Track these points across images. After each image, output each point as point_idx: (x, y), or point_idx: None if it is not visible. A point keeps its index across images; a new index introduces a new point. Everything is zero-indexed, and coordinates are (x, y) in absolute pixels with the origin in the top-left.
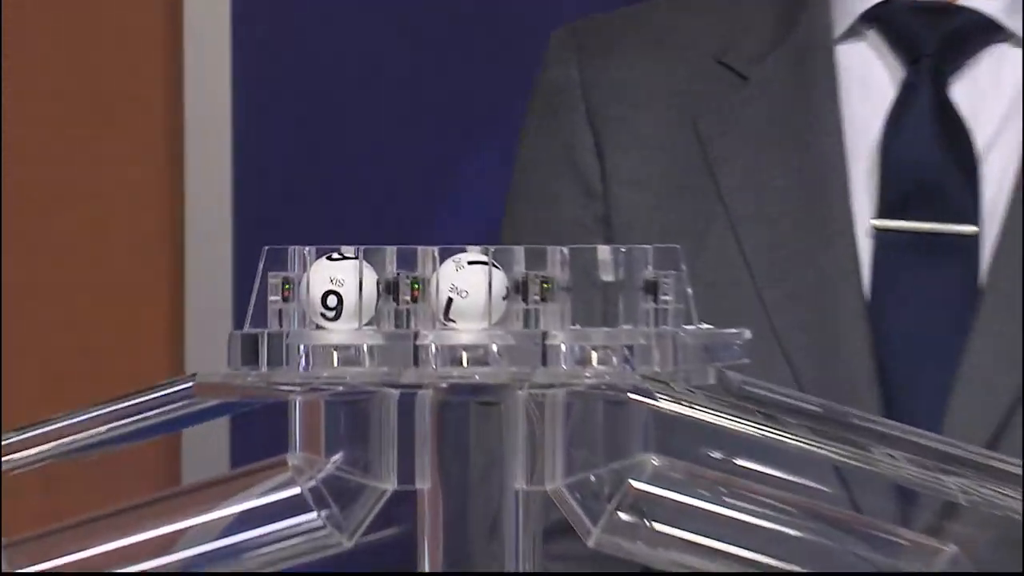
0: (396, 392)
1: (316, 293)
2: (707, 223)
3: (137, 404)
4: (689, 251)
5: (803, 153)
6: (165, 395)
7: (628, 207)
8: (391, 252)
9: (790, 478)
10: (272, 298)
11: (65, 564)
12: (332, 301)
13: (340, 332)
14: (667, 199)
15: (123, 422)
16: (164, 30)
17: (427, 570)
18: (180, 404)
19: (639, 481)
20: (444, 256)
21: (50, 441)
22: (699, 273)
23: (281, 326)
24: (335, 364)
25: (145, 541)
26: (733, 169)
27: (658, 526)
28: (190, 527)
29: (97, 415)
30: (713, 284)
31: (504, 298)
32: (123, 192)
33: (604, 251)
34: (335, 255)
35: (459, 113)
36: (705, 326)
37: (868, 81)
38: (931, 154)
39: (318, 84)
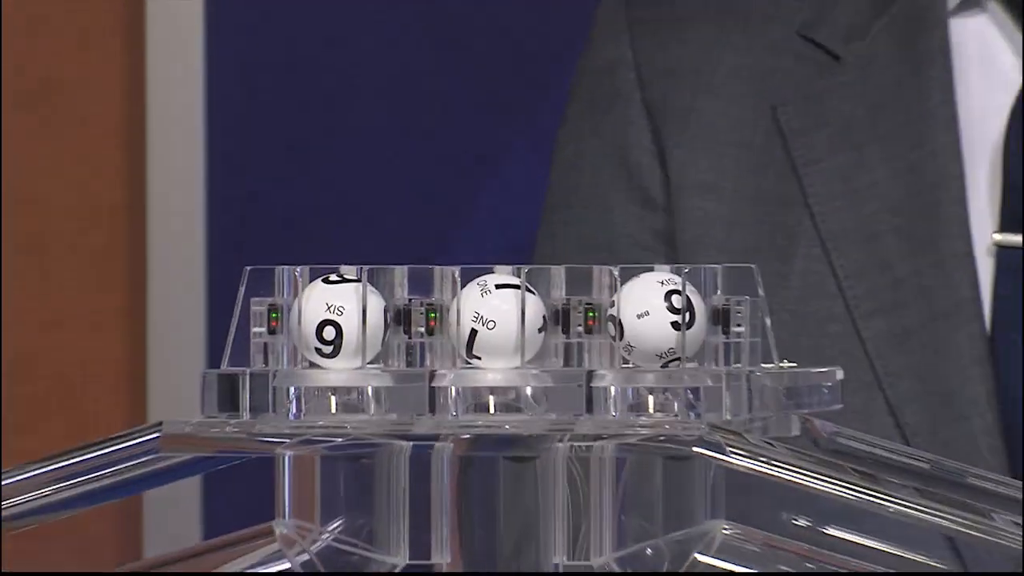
0: (408, 445)
1: (310, 324)
2: (791, 239)
3: (87, 460)
4: (769, 273)
5: (910, 152)
6: (123, 449)
7: (696, 220)
8: (401, 273)
9: (892, 551)
10: (256, 329)
11: None
12: (329, 333)
13: (339, 372)
14: (743, 209)
15: (69, 483)
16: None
17: None
18: (141, 461)
19: (706, 555)
20: (466, 278)
21: None
22: (782, 301)
23: (267, 364)
24: (333, 411)
25: None
26: (823, 172)
27: None
28: None
29: (37, 474)
30: (799, 315)
31: (540, 330)
32: (73, 199)
33: (662, 271)
34: (333, 277)
35: (482, 108)
36: (787, 364)
37: (989, 63)
38: None
39: (302, 70)
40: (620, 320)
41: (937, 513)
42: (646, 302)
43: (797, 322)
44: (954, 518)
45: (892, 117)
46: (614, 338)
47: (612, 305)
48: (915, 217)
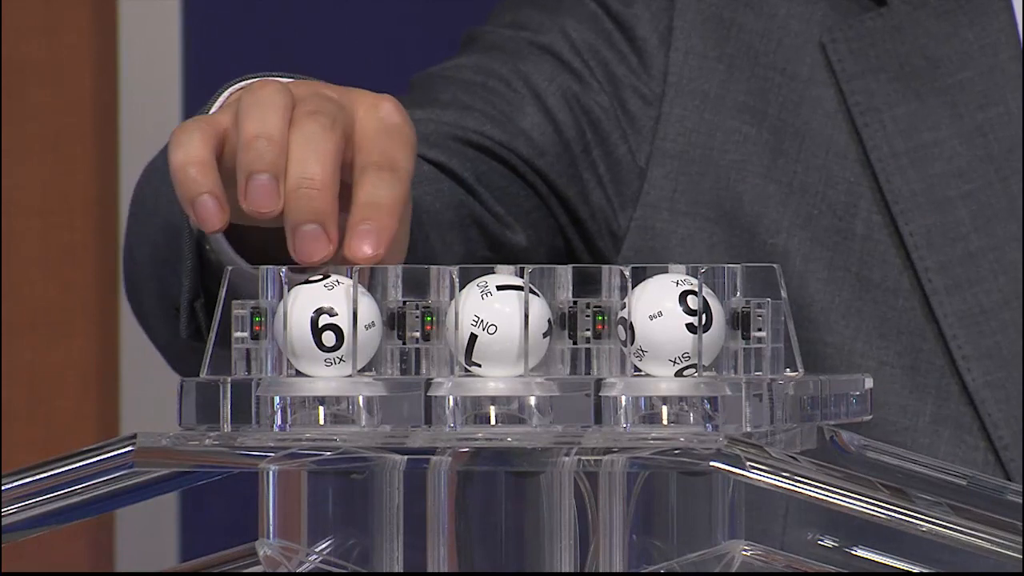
0: (402, 459)
1: (296, 328)
2: (850, 195)
3: (54, 476)
4: (826, 228)
5: (978, 112)
6: (93, 463)
7: (735, 143)
8: (395, 273)
9: (923, 571)
10: (237, 334)
11: None
12: (330, 339)
13: (328, 380)
14: (789, 144)
15: (35, 500)
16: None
17: None
18: (113, 476)
19: None
20: (465, 279)
21: None
22: (844, 259)
23: (249, 371)
24: (321, 422)
25: None
26: (883, 124)
27: None
28: None
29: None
30: (862, 278)
31: (545, 334)
32: (41, 194)
33: (677, 271)
34: (319, 277)
35: None
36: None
37: None
38: None
39: (283, 57)
40: (631, 323)
41: (973, 532)
42: (659, 303)
43: (860, 286)
44: (992, 538)
45: (954, 71)
46: (624, 343)
47: (623, 308)
48: (987, 185)
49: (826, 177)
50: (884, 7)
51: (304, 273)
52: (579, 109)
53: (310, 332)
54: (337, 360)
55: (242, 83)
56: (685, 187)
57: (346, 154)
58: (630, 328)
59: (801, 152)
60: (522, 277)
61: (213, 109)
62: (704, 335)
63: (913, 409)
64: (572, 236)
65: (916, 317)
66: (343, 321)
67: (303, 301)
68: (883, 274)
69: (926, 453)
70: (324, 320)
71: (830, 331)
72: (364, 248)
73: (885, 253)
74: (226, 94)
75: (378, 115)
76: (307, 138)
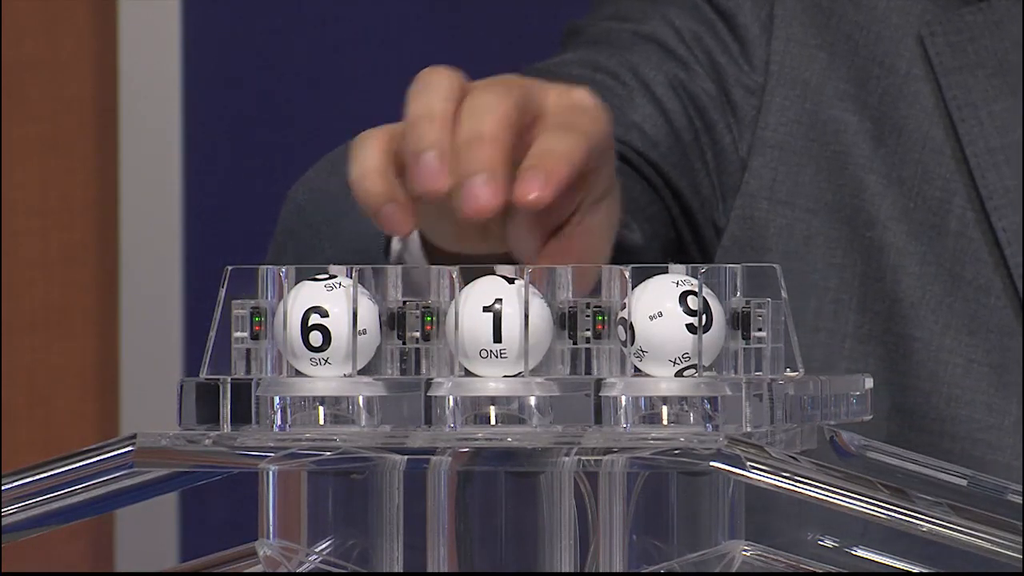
0: (402, 459)
1: (296, 328)
2: (944, 191)
3: (54, 476)
4: (919, 222)
5: None
6: (93, 463)
7: (834, 131)
8: (395, 273)
9: (923, 571)
10: (237, 334)
11: None
12: (317, 339)
13: (328, 380)
14: (889, 135)
15: (35, 500)
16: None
17: None
18: (113, 476)
19: None
20: (466, 278)
21: None
22: (936, 254)
23: (249, 371)
24: (321, 422)
25: None
26: (980, 120)
27: None
28: None
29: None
30: (954, 274)
31: (545, 335)
32: (41, 194)
33: (677, 271)
34: (321, 276)
35: None
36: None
37: None
38: None
39: (283, 60)
40: (631, 323)
41: (973, 532)
42: (659, 303)
43: (952, 282)
44: (992, 538)
45: None
46: (624, 343)
47: (623, 308)
48: None
49: (922, 172)
50: (984, 2)
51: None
52: (686, 97)
53: (299, 330)
54: (322, 361)
55: None
56: (784, 176)
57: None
58: (630, 328)
59: (899, 145)
60: (522, 276)
61: None
62: (704, 335)
63: (999, 408)
64: (682, 227)
65: (1007, 316)
66: (333, 323)
67: (301, 299)
68: (975, 271)
69: (1011, 452)
70: (314, 319)
71: (919, 326)
72: (531, 190)
73: (978, 250)
74: None
75: (571, 97)
76: (477, 103)
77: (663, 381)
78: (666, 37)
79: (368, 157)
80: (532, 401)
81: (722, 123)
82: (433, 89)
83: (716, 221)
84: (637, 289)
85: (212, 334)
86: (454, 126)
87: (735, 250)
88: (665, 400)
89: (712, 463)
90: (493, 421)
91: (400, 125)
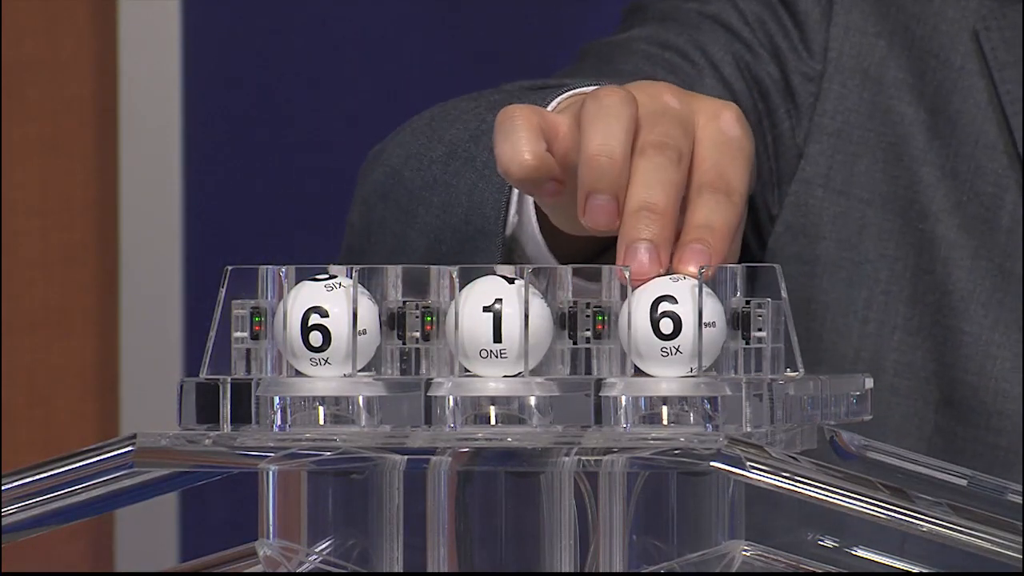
0: (402, 459)
1: (296, 328)
2: (996, 187)
3: (54, 476)
4: (971, 217)
5: None
6: (93, 463)
7: (892, 122)
8: (395, 273)
9: (923, 571)
10: (237, 334)
11: None
12: (317, 339)
13: (328, 380)
14: (943, 127)
15: (35, 500)
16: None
17: None
18: (113, 476)
19: None
20: (465, 278)
21: None
22: (988, 250)
23: (249, 371)
24: (321, 422)
25: None
26: None
27: None
28: None
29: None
30: (1005, 271)
31: (545, 335)
32: (41, 194)
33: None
34: (321, 276)
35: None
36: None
37: None
38: None
39: (283, 58)
40: (631, 323)
41: (973, 532)
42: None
43: (1002, 277)
44: (992, 538)
45: None
46: (625, 343)
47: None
48: None
49: (975, 166)
50: None
51: None
52: (751, 79)
53: (299, 330)
54: (322, 361)
55: (574, 92)
56: (840, 165)
57: None
58: (630, 328)
59: (953, 138)
60: (522, 276)
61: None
62: (705, 336)
63: None
64: None
65: None
66: (333, 323)
67: (301, 299)
68: None
69: None
70: (314, 319)
71: (968, 320)
72: (694, 264)
73: None
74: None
75: (718, 126)
76: (655, 167)
77: (663, 381)
78: (730, 18)
79: (523, 138)
80: (532, 401)
81: (782, 108)
82: (613, 119)
83: (770, 206)
84: (637, 289)
85: (212, 334)
86: (628, 185)
87: (787, 236)
88: (665, 400)
89: (712, 463)
90: (493, 421)
91: (558, 119)
